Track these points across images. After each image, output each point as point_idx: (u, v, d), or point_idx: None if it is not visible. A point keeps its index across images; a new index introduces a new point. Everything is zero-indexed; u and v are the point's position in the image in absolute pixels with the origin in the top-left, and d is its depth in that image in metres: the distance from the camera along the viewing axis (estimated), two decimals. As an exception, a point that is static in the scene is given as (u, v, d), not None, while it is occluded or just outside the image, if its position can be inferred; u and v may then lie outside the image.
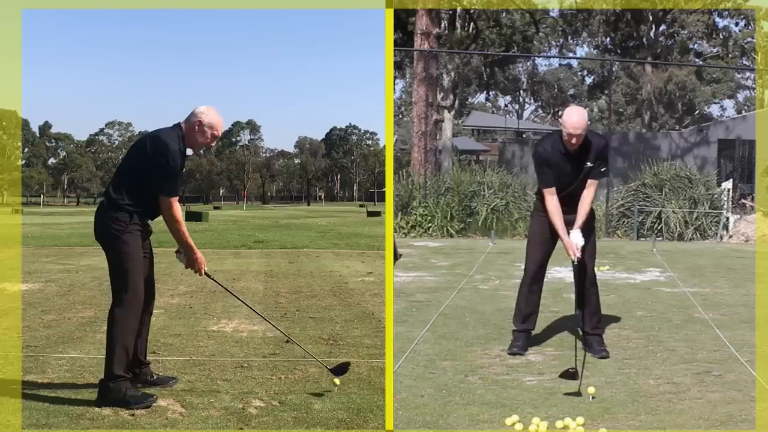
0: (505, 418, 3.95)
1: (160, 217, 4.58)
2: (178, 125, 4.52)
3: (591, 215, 5.24)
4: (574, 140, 5.00)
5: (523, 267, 5.54)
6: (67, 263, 12.53)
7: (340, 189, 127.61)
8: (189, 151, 4.60)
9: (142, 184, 4.40)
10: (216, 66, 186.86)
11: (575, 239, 5.09)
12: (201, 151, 4.79)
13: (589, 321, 5.30)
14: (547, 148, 5.18)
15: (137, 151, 4.54)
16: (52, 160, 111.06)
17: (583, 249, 5.13)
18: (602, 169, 5.17)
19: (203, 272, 4.65)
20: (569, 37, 46.01)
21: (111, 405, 4.18)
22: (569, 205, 5.16)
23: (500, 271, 9.74)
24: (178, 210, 4.47)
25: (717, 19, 45.47)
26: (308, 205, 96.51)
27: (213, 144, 4.68)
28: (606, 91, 46.28)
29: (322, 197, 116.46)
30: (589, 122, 5.11)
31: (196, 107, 4.54)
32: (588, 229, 5.21)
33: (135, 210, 4.42)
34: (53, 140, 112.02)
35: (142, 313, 4.55)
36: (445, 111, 26.41)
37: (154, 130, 4.54)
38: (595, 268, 5.46)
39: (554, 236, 5.27)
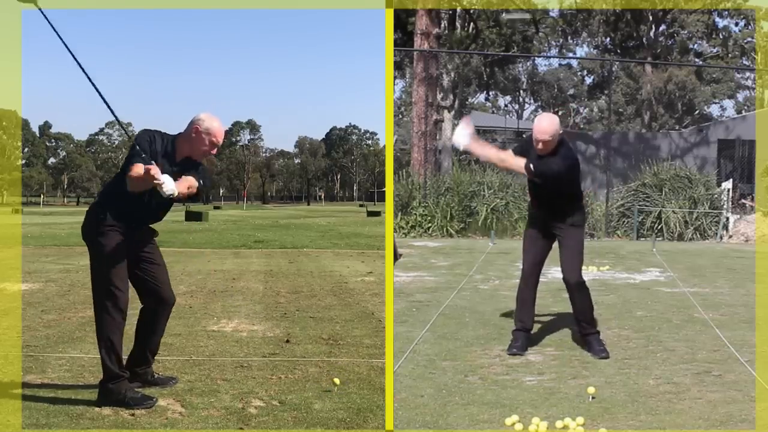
0: (505, 418, 3.96)
1: (162, 220, 4.58)
2: (178, 134, 4.45)
3: (573, 205, 5.26)
4: (540, 145, 5.06)
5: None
6: (67, 263, 12.52)
7: (340, 189, 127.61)
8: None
9: (125, 186, 4.26)
10: (216, 66, 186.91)
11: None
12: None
13: (582, 323, 5.34)
14: (528, 143, 5.28)
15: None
16: (52, 160, 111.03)
17: (565, 252, 5.17)
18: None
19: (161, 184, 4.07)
20: (569, 37, 45.98)
21: (111, 405, 4.18)
22: (553, 215, 5.22)
23: (500, 271, 9.74)
24: (135, 170, 4.09)
25: (717, 19, 45.47)
26: (308, 205, 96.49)
27: (214, 151, 4.61)
28: (606, 91, 46.29)
29: (322, 197, 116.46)
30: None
31: (196, 114, 4.46)
32: (573, 225, 5.24)
33: (117, 213, 4.34)
34: (53, 140, 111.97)
35: (160, 314, 4.56)
36: (445, 111, 26.39)
37: None
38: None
39: (548, 236, 5.30)
